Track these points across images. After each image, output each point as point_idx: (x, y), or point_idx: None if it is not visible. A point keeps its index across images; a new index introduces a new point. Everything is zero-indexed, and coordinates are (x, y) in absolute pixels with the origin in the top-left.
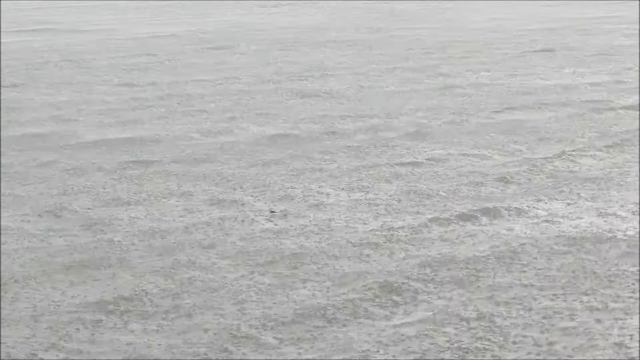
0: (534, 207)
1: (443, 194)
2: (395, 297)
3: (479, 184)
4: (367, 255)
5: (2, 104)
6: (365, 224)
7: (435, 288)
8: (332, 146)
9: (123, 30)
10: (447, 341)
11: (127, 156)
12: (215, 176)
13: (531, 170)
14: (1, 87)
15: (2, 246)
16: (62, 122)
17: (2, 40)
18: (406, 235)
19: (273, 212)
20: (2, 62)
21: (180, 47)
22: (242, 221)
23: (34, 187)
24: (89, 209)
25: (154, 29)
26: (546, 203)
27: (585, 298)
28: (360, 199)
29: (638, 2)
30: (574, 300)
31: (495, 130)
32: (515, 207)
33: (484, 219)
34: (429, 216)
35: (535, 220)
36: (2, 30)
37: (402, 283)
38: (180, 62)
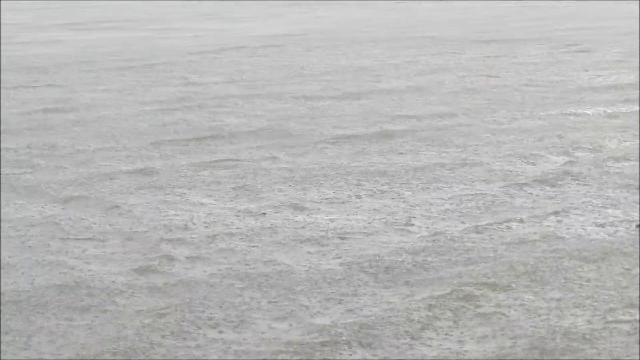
0: (600, 207)
1: (509, 194)
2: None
3: (541, 183)
4: (454, 257)
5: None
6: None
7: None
8: (389, 146)
9: (181, 30)
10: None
11: (190, 155)
12: (280, 177)
13: (593, 169)
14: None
15: (80, 252)
16: (123, 121)
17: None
18: (478, 239)
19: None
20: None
21: (219, 47)
22: (314, 224)
23: (102, 187)
24: (168, 210)
25: (197, 28)
26: (613, 202)
27: None
28: (427, 201)
29: (638, 1)
30: None
31: (548, 129)
32: (580, 208)
33: (551, 219)
34: (495, 218)
35: (609, 220)
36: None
37: (503, 283)
38: (220, 61)
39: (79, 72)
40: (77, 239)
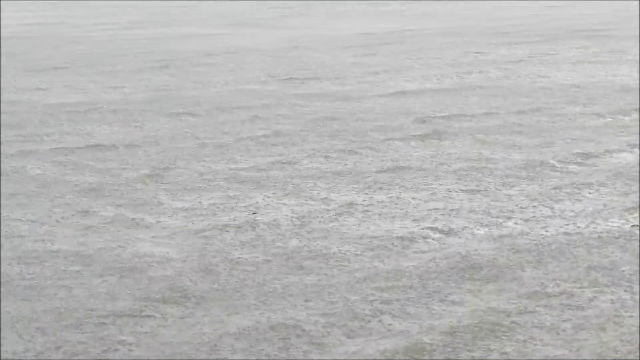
0: None
1: (587, 192)
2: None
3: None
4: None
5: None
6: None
7: None
8: (442, 145)
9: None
10: None
11: (244, 156)
12: (334, 176)
13: None
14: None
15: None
16: (169, 122)
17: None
18: (565, 240)
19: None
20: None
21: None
22: (372, 225)
23: (159, 189)
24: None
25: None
26: None
27: None
28: (496, 201)
29: (638, 2)
30: None
31: (606, 128)
32: None
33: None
34: (581, 219)
35: None
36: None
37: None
38: (254, 61)
39: (103, 74)
40: (153, 239)
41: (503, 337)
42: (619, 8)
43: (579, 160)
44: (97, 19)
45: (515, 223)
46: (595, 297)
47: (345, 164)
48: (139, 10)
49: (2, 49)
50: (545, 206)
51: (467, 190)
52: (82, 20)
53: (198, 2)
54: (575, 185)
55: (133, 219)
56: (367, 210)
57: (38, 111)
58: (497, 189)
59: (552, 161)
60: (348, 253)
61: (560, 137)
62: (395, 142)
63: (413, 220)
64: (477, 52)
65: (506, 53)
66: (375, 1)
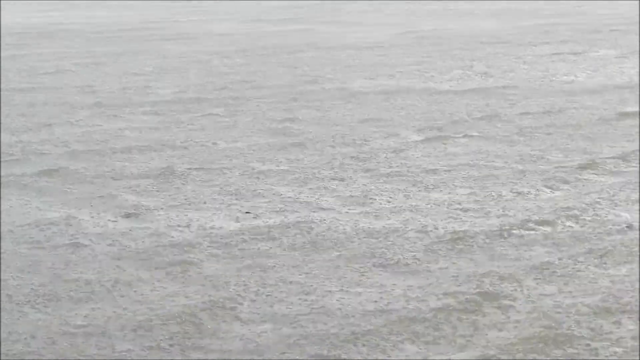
0: None
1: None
2: None
3: None
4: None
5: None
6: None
7: None
8: (483, 147)
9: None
10: None
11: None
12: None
13: None
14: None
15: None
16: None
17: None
18: (608, 237)
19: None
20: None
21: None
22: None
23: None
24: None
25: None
26: None
27: None
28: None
29: (638, 1)
30: None
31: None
32: None
33: None
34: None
35: None
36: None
37: None
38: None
39: (122, 75)
40: (202, 239)
41: None
42: (621, 10)
43: (619, 161)
44: (99, 19)
45: (566, 223)
46: None
47: (391, 165)
48: (139, 10)
49: (3, 49)
50: (594, 206)
51: (515, 192)
52: (83, 20)
53: (198, 1)
54: (622, 184)
55: (183, 218)
56: (418, 211)
57: (61, 111)
58: (541, 190)
59: (593, 162)
60: (407, 253)
61: (597, 137)
62: (438, 142)
63: (462, 221)
64: (495, 53)
65: (522, 54)
66: (374, 1)
